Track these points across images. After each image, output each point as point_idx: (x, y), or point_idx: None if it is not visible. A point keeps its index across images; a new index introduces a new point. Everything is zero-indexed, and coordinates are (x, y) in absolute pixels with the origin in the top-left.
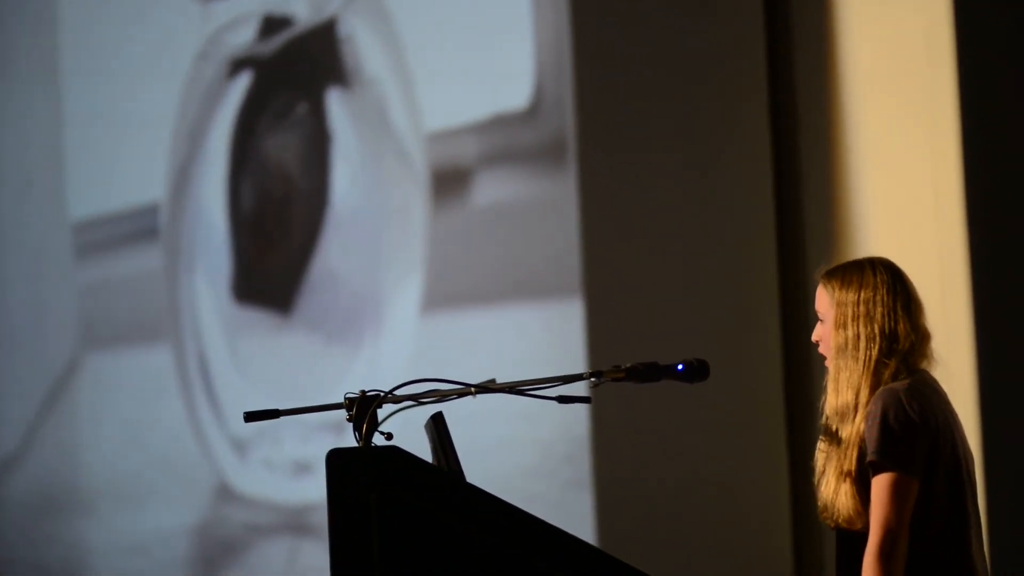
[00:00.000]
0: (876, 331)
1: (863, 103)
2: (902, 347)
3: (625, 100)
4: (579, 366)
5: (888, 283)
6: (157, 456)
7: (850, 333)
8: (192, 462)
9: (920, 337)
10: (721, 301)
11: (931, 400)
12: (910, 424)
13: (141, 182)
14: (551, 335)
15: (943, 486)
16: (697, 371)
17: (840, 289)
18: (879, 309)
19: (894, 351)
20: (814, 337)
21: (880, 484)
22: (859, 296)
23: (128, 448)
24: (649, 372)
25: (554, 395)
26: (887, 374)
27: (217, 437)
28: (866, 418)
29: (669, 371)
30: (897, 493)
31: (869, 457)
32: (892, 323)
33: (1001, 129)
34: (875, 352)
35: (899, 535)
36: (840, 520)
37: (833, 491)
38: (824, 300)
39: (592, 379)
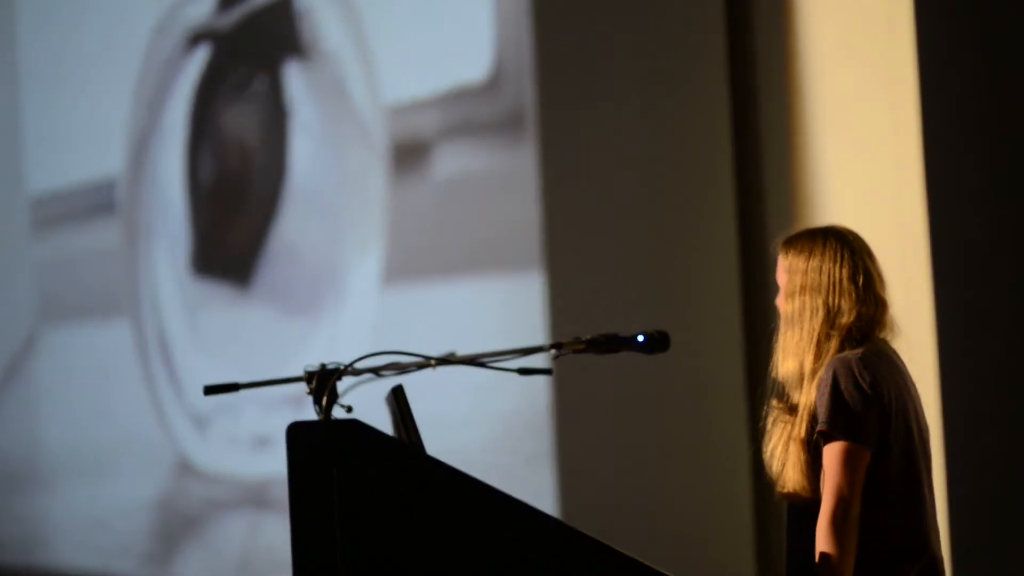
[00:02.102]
0: (820, 303)
1: (824, 74)
2: (847, 320)
3: (585, 72)
4: (540, 338)
5: (839, 254)
6: (117, 431)
7: (796, 303)
8: (152, 437)
9: (871, 308)
10: (681, 272)
11: (884, 370)
12: (861, 394)
13: (99, 157)
14: (512, 307)
15: (897, 456)
16: (657, 342)
17: (793, 257)
18: (825, 280)
19: (838, 324)
20: (776, 302)
21: (831, 453)
22: (807, 266)
23: (87, 423)
24: (609, 344)
25: (515, 367)
26: (832, 345)
27: (177, 411)
28: (817, 386)
29: (629, 343)
30: (848, 462)
31: (820, 427)
32: (837, 296)
33: (961, 100)
34: (817, 324)
35: (851, 504)
36: (790, 489)
37: (781, 460)
38: (780, 268)
39: (553, 351)
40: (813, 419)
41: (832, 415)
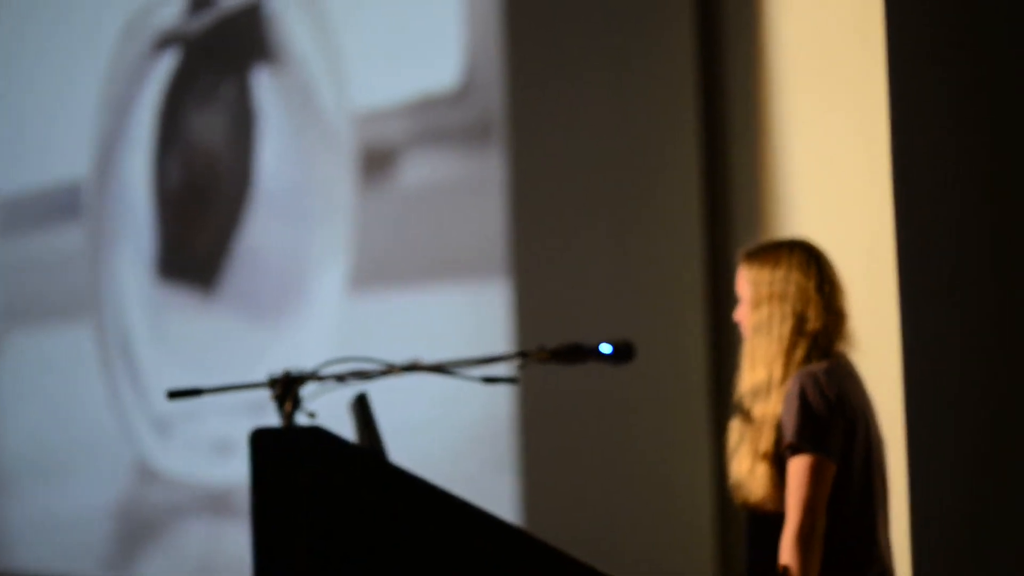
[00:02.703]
0: (789, 311)
1: (792, 81)
2: (813, 327)
3: (554, 81)
4: (506, 346)
5: (803, 264)
6: (78, 435)
7: (764, 312)
8: (113, 441)
9: (835, 318)
10: (647, 282)
11: (848, 384)
12: (828, 407)
13: (64, 160)
14: (477, 316)
15: (858, 469)
16: (623, 352)
17: (757, 269)
18: (793, 289)
19: (805, 331)
20: (735, 317)
21: (798, 466)
22: (773, 276)
23: (49, 427)
24: (574, 354)
25: (480, 376)
26: (799, 353)
27: (138, 416)
28: (784, 400)
29: (594, 352)
30: (815, 475)
31: (787, 440)
32: (803, 304)
33: (930, 106)
34: (786, 331)
35: (818, 518)
36: (752, 500)
37: (748, 471)
38: (742, 280)
39: (518, 360)
40: (778, 430)
41: (799, 428)
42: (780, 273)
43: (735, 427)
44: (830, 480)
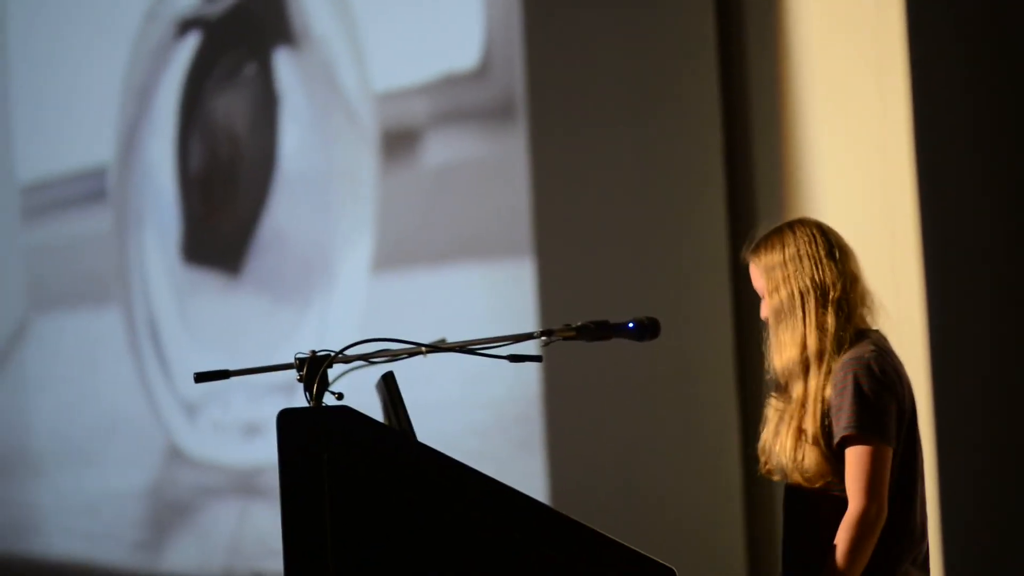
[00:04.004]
0: (808, 283)
1: (814, 65)
2: (835, 295)
3: (574, 59)
4: (530, 325)
5: (809, 235)
6: (107, 418)
7: (783, 293)
8: (142, 424)
9: (851, 280)
10: (672, 259)
11: (892, 362)
12: (882, 392)
13: (89, 144)
14: (502, 294)
15: (902, 448)
16: (648, 329)
17: (765, 256)
18: (806, 262)
19: (829, 300)
20: (762, 315)
21: (860, 454)
22: (784, 256)
23: (78, 410)
24: (600, 330)
25: (505, 354)
26: (830, 321)
27: (167, 399)
28: (834, 386)
29: (620, 329)
30: (878, 462)
31: (845, 431)
32: (820, 272)
33: (951, 91)
34: (812, 305)
35: (883, 504)
36: (797, 479)
37: (791, 450)
38: (755, 275)
39: (543, 338)
40: (824, 411)
41: (858, 417)
42: (789, 251)
43: (773, 406)
44: (888, 464)
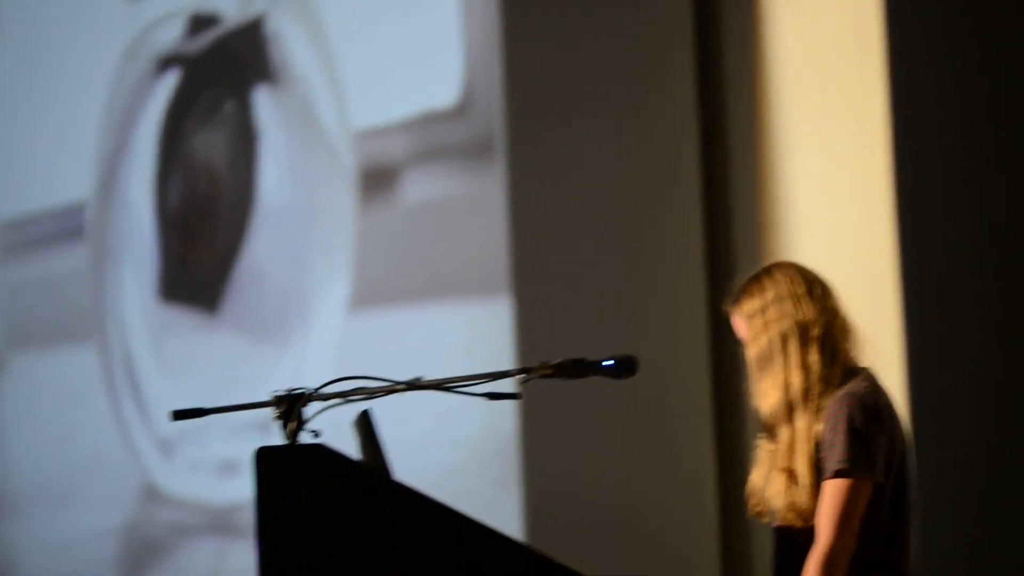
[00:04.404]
0: (790, 325)
1: (792, 101)
2: (818, 332)
3: (554, 97)
4: (508, 363)
5: (786, 278)
6: (83, 456)
7: (764, 339)
8: (118, 462)
9: (833, 317)
10: (649, 298)
11: (884, 399)
12: (874, 429)
13: (68, 181)
14: (480, 333)
15: (892, 484)
16: (625, 367)
17: (747, 303)
18: (787, 303)
19: (810, 337)
20: (747, 362)
21: (840, 488)
22: (765, 300)
23: (54, 448)
24: (577, 368)
25: (483, 392)
26: (812, 362)
27: (143, 437)
28: (827, 421)
29: (597, 367)
30: (853, 497)
31: (837, 466)
32: (801, 311)
33: (928, 120)
34: (794, 345)
35: (850, 538)
36: (789, 520)
37: (784, 491)
38: (738, 324)
39: (521, 376)
40: (816, 447)
41: (849, 452)
42: (768, 295)
43: (763, 448)
44: (865, 499)
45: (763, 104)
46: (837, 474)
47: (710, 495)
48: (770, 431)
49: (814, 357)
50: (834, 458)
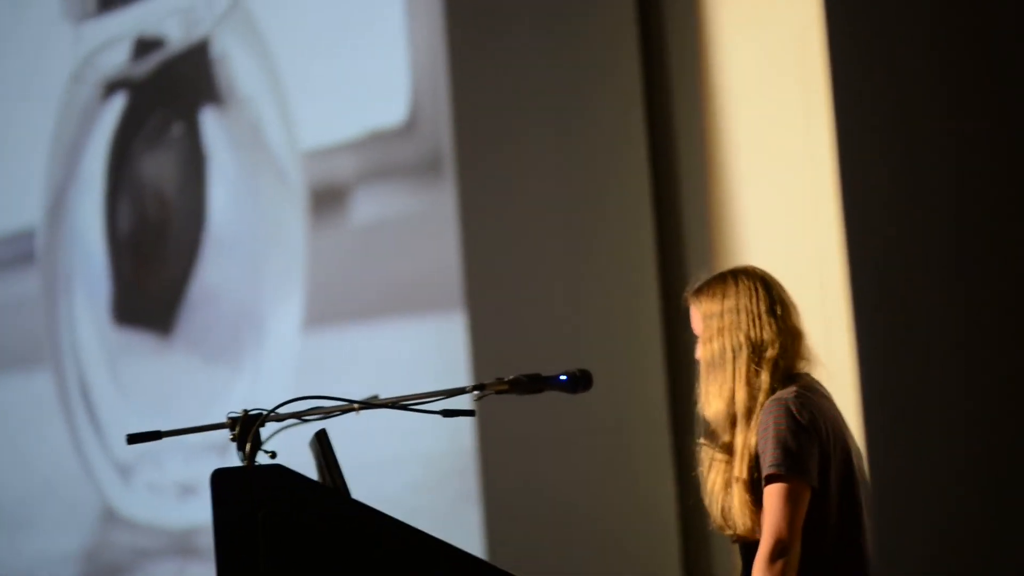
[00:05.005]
0: (743, 339)
1: (739, 108)
2: (772, 353)
3: (501, 112)
4: (463, 379)
5: (751, 289)
6: (41, 481)
7: (716, 345)
8: (76, 486)
9: (791, 337)
10: (603, 311)
11: (819, 405)
12: (802, 433)
13: (16, 207)
14: (434, 349)
15: (836, 489)
16: (580, 381)
17: (706, 303)
18: (743, 317)
19: (764, 359)
20: (696, 356)
21: (774, 492)
22: (723, 307)
23: (11, 474)
24: (532, 384)
25: (438, 409)
26: (763, 379)
27: (101, 461)
28: (757, 429)
29: (552, 382)
30: (790, 500)
31: (767, 471)
32: (758, 330)
33: (875, 127)
34: (743, 361)
35: (791, 543)
36: (739, 532)
37: (721, 503)
38: (695, 318)
39: (476, 392)
40: (754, 460)
41: (778, 457)
42: (728, 303)
43: (705, 460)
44: (805, 504)
45: (710, 112)
46: (769, 479)
47: (669, 504)
48: (711, 436)
49: (764, 377)
50: (766, 464)
